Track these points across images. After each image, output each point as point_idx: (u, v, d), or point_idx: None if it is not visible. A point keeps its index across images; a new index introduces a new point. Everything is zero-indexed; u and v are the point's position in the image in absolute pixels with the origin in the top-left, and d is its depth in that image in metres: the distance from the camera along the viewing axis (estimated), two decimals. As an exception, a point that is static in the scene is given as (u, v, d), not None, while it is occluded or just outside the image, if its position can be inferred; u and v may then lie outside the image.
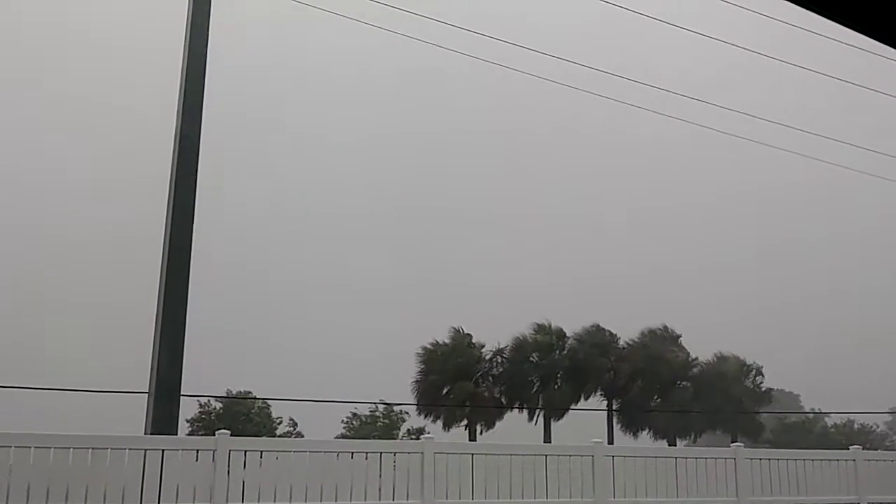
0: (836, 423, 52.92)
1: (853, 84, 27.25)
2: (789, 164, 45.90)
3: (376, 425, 43.85)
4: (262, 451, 12.79)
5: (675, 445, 42.33)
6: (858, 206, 66.34)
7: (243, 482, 12.33)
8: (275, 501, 12.42)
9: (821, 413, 54.31)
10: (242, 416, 42.62)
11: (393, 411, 44.64)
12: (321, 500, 12.69)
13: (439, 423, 43.24)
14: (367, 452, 13.65)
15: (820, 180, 58.07)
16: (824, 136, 29.95)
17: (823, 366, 64.38)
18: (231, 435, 12.99)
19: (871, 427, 54.00)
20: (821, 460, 17.29)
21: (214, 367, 45.60)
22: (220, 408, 42.76)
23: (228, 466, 12.25)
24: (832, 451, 19.80)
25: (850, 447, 18.13)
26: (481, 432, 41.98)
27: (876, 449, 39.48)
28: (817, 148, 32.28)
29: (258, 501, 12.33)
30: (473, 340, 44.48)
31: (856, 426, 51.91)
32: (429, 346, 44.04)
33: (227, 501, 12.05)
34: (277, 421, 44.05)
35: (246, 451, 12.61)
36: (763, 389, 48.24)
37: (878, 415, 55.49)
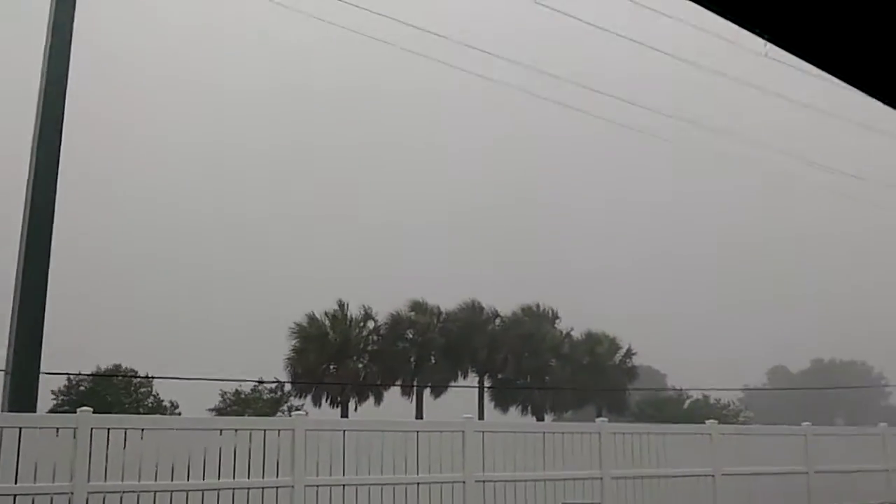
0: (696, 399, 55.49)
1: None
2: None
3: (255, 402, 43.31)
4: (125, 429, 12.40)
5: (543, 421, 43.41)
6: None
7: (106, 459, 11.96)
8: (139, 480, 12.11)
9: (683, 390, 56.77)
10: (112, 392, 41.32)
11: (269, 388, 44.16)
12: (188, 479, 12.46)
13: (311, 399, 42.93)
14: (236, 429, 13.45)
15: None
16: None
17: (686, 345, 67.47)
18: (97, 412, 12.61)
19: (729, 403, 56.96)
20: (680, 434, 18.13)
21: (84, 343, 44.10)
22: (87, 384, 41.27)
23: (91, 445, 11.86)
24: (690, 426, 20.79)
25: (707, 421, 18.99)
26: (355, 409, 41.99)
27: (732, 423, 41.55)
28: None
29: (122, 480, 12.00)
30: (349, 316, 44.32)
31: (712, 401, 54.62)
32: (303, 324, 43.63)
33: (88, 481, 11.69)
34: (149, 399, 42.88)
35: (109, 429, 12.21)
36: (629, 366, 50.01)
37: (733, 391, 58.88)
